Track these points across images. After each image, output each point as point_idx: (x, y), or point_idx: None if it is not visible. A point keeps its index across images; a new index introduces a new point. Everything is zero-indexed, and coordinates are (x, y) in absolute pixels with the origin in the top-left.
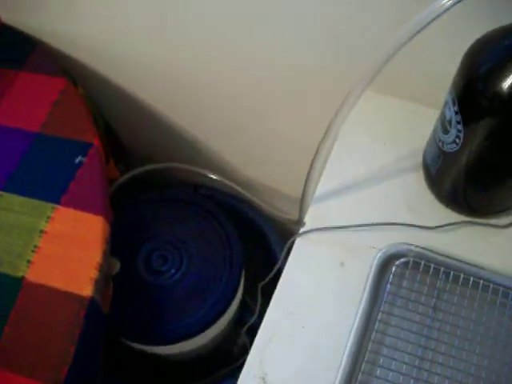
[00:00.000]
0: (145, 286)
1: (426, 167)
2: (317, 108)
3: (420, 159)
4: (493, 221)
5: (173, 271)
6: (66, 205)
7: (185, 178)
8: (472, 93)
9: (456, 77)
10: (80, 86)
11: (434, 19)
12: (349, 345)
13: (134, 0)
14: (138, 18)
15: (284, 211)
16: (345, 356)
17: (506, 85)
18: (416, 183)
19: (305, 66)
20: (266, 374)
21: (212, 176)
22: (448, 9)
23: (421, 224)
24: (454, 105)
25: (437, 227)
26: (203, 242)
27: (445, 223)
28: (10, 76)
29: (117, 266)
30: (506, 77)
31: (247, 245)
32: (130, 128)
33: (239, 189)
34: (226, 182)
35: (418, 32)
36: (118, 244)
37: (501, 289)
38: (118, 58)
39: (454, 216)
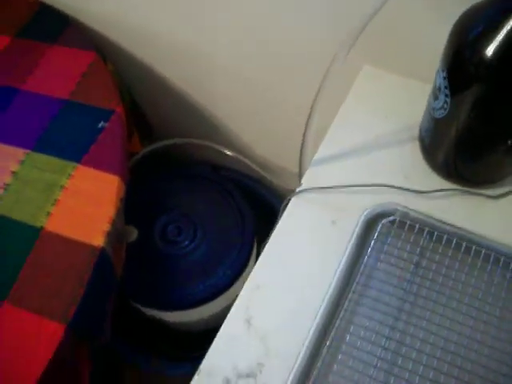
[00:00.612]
0: (159, 254)
1: (421, 137)
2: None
3: (417, 133)
4: (485, 191)
5: (186, 242)
6: (86, 164)
7: (204, 158)
8: (459, 59)
9: (446, 45)
10: (109, 63)
11: None
12: (329, 293)
13: None
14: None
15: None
16: (324, 303)
17: (489, 52)
18: (412, 154)
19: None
20: (251, 317)
21: (227, 152)
22: None
23: (411, 188)
24: (443, 71)
25: (426, 192)
26: (218, 216)
27: (434, 189)
28: (45, 48)
29: (134, 234)
30: (489, 44)
31: (260, 222)
32: (156, 107)
33: (253, 166)
34: (241, 157)
35: None
36: (137, 214)
37: (483, 251)
38: (147, 38)
39: (447, 185)
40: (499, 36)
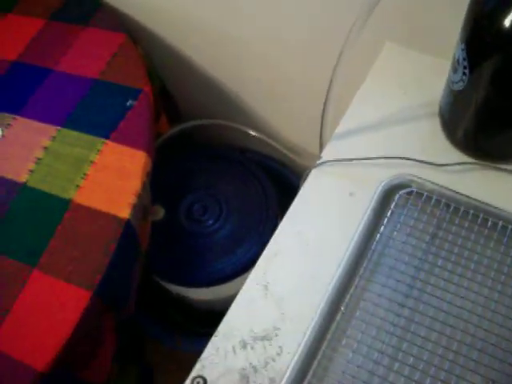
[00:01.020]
0: (185, 233)
1: (441, 112)
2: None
3: (437, 109)
4: (503, 165)
5: (211, 221)
6: (115, 140)
7: (230, 140)
8: (477, 30)
9: (465, 16)
10: (139, 46)
11: None
12: (344, 260)
13: None
14: None
15: None
16: (339, 270)
17: (507, 22)
18: (432, 129)
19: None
20: (268, 283)
21: (253, 133)
22: None
23: (431, 162)
24: (461, 43)
25: (445, 165)
26: (242, 196)
27: (453, 162)
28: (77, 30)
29: (161, 213)
30: (507, 14)
31: (284, 202)
32: (184, 90)
33: (278, 146)
34: (266, 139)
35: None
36: (164, 193)
37: (500, 223)
38: (177, 23)
39: (466, 159)
40: None
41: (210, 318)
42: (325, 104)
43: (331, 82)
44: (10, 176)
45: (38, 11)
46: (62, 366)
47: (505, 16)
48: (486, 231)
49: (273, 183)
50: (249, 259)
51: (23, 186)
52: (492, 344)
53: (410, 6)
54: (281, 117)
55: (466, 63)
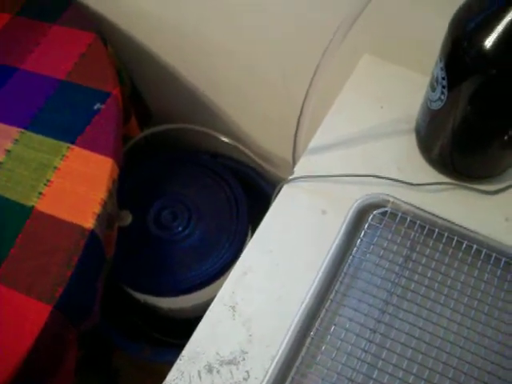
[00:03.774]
0: (153, 239)
1: (418, 129)
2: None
3: (414, 125)
4: (481, 186)
5: (180, 228)
6: (80, 146)
7: (202, 145)
8: (457, 50)
9: (445, 36)
10: (110, 46)
11: None
12: (315, 283)
13: None
14: None
15: None
16: (310, 293)
17: (486, 43)
18: (408, 146)
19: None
20: (236, 304)
21: (225, 139)
22: None
23: (405, 180)
24: (440, 62)
25: (420, 185)
26: (213, 203)
27: (428, 182)
28: (45, 28)
29: (128, 218)
30: (486, 36)
31: (255, 210)
32: (156, 92)
33: (250, 154)
34: (238, 145)
35: None
36: (132, 198)
37: (474, 246)
38: (150, 24)
39: (442, 179)
40: (496, 28)
41: (180, 327)
42: (299, 117)
43: (307, 93)
44: None
45: (4, 5)
46: (22, 381)
47: (485, 38)
48: (461, 254)
49: (244, 189)
50: (218, 268)
51: None
52: (464, 372)
53: (389, 19)
54: (254, 123)
55: (444, 82)
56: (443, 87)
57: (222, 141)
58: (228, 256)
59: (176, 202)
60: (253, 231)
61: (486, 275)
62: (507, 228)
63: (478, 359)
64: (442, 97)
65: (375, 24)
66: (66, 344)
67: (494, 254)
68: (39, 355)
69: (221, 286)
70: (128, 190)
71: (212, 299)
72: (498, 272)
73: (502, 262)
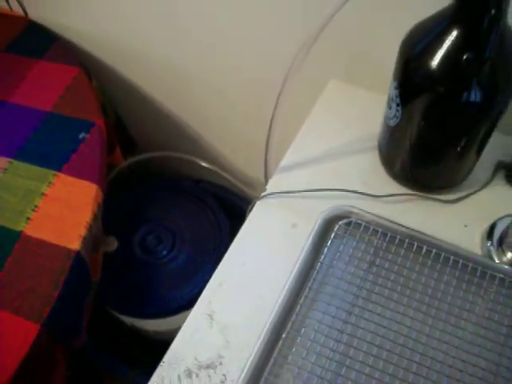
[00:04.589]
0: (139, 264)
1: (379, 146)
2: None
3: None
4: (441, 196)
5: (165, 252)
6: (66, 173)
7: (185, 171)
8: (407, 71)
9: (396, 58)
10: (94, 80)
11: None
12: (285, 290)
13: (143, 3)
14: (148, 19)
15: None
16: (280, 299)
17: (432, 64)
18: (372, 162)
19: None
20: (213, 312)
21: (205, 164)
22: None
23: (370, 193)
24: (394, 81)
25: (382, 196)
26: (196, 227)
27: (391, 193)
28: (31, 63)
29: (114, 244)
30: (432, 57)
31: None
32: (140, 123)
33: (231, 178)
34: (219, 171)
35: None
36: (118, 224)
37: (433, 250)
38: (132, 58)
39: (404, 191)
40: (439, 49)
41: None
42: (267, 138)
43: (273, 116)
44: None
45: None
46: None
47: (431, 59)
48: (421, 258)
49: (226, 214)
50: (202, 289)
51: None
52: (427, 367)
53: (352, 47)
54: (234, 149)
55: (398, 100)
56: (397, 105)
57: (204, 167)
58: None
59: (160, 227)
60: None
61: (446, 277)
62: (466, 233)
63: (439, 354)
64: (397, 114)
65: (338, 51)
66: (54, 362)
67: (451, 257)
68: (28, 373)
69: None
70: (114, 216)
71: None
72: (457, 273)
73: (460, 264)
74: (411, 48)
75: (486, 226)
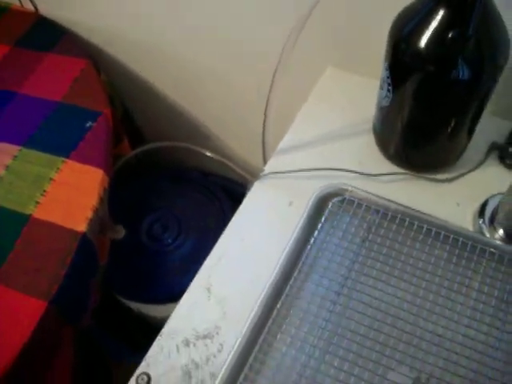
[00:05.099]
0: (145, 251)
1: (374, 128)
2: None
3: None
4: (434, 176)
5: (170, 240)
6: (74, 159)
7: (193, 163)
8: (396, 52)
9: (387, 40)
10: (102, 73)
11: None
12: (279, 263)
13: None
14: (154, 12)
15: None
16: (274, 272)
17: (420, 44)
18: (368, 144)
19: None
20: (211, 285)
21: (211, 155)
22: None
23: (365, 173)
24: (385, 63)
25: (377, 175)
26: (202, 216)
27: (385, 173)
28: (41, 56)
29: (122, 232)
30: (419, 38)
31: None
32: (147, 115)
33: (237, 168)
34: (225, 161)
35: None
36: (125, 213)
37: (424, 226)
38: (139, 50)
39: (396, 170)
40: (427, 29)
41: None
42: (264, 121)
43: (268, 99)
44: None
45: (3, 37)
46: (18, 376)
47: (419, 40)
48: (412, 234)
49: (233, 205)
50: None
51: None
52: (417, 336)
53: (348, 33)
54: (237, 138)
55: (389, 81)
56: (389, 85)
57: (209, 157)
58: None
59: (167, 216)
60: None
61: (436, 251)
62: (458, 211)
63: (429, 324)
64: (389, 94)
65: (335, 39)
66: (62, 339)
67: (442, 232)
68: (36, 348)
69: None
70: (122, 205)
71: None
72: (447, 247)
73: (451, 239)
74: (400, 30)
75: (478, 204)
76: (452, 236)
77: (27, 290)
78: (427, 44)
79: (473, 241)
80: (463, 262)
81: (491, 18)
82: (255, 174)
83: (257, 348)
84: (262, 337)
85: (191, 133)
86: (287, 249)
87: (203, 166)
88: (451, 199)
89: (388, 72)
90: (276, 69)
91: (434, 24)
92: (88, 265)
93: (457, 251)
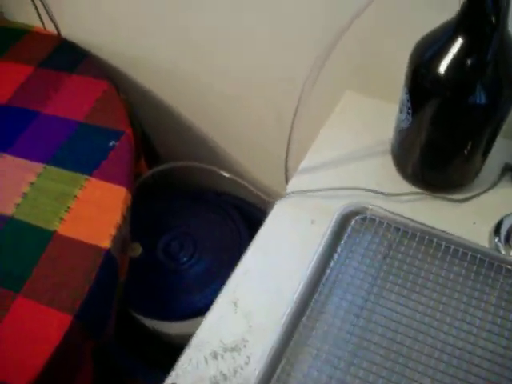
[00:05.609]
0: (161, 269)
1: (392, 149)
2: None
3: (389, 147)
4: (450, 195)
5: (186, 258)
6: (97, 177)
7: (208, 183)
8: (416, 77)
9: (407, 65)
10: (122, 94)
11: None
12: (305, 278)
13: (162, 22)
14: (170, 37)
15: None
16: (300, 287)
17: (440, 70)
18: (385, 164)
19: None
20: (237, 299)
21: (228, 175)
22: None
23: (384, 192)
24: (405, 87)
25: (395, 195)
26: (217, 236)
27: (403, 192)
28: (64, 77)
29: (139, 250)
30: (439, 64)
31: None
32: (163, 136)
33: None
34: (240, 180)
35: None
36: (142, 231)
37: (443, 243)
38: (155, 72)
39: (414, 190)
40: (447, 56)
41: None
42: (287, 146)
43: (292, 125)
44: None
45: (28, 59)
46: None
47: (439, 65)
48: (432, 251)
49: (246, 224)
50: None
51: (9, 219)
52: (438, 349)
53: (364, 59)
54: (256, 161)
55: (409, 104)
56: (408, 109)
57: (225, 177)
58: None
59: (183, 235)
60: None
61: (455, 267)
62: (475, 230)
63: (449, 338)
64: (408, 117)
65: (352, 64)
66: (83, 357)
67: (460, 249)
68: (61, 361)
69: None
70: (139, 224)
71: None
72: (465, 264)
73: (469, 256)
74: (420, 56)
75: (493, 223)
76: (470, 253)
77: (52, 303)
78: (447, 70)
79: (490, 258)
80: (481, 278)
81: (506, 45)
82: (269, 194)
83: (284, 360)
84: (289, 349)
85: (205, 152)
86: (312, 263)
87: (218, 185)
88: (467, 218)
89: (408, 96)
90: (300, 97)
91: (454, 51)
92: (110, 281)
93: (474, 268)
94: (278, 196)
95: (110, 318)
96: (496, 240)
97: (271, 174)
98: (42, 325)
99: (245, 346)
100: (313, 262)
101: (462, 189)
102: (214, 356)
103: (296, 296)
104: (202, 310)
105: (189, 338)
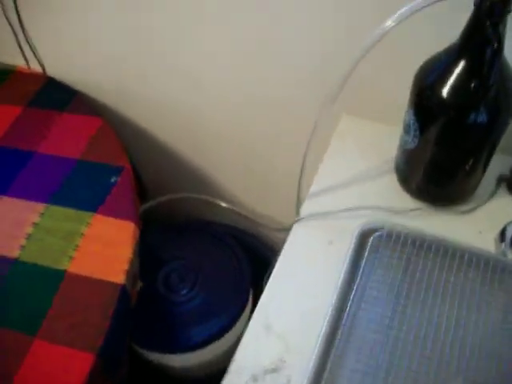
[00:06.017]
0: (161, 302)
1: (397, 167)
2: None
3: (393, 165)
4: (455, 208)
5: (185, 291)
6: (103, 213)
7: (201, 214)
8: (422, 100)
9: (411, 89)
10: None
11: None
12: (334, 297)
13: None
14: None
15: None
16: (331, 306)
17: (445, 92)
18: (389, 182)
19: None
20: (269, 321)
21: (223, 204)
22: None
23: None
24: (411, 109)
25: (403, 210)
26: (217, 267)
27: (412, 208)
28: (55, 116)
29: (139, 284)
30: (443, 87)
31: (255, 273)
32: (151, 169)
33: (248, 215)
34: (236, 209)
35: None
36: (142, 264)
37: (458, 252)
38: (142, 105)
39: (422, 205)
40: (450, 80)
41: None
42: (300, 178)
43: (304, 159)
44: (1, 252)
45: (15, 99)
46: None
47: (444, 88)
48: (448, 260)
49: (244, 252)
50: (222, 326)
51: (16, 261)
52: (466, 356)
53: (362, 85)
54: (252, 191)
55: (416, 126)
56: (415, 130)
57: (221, 207)
58: (231, 316)
59: (183, 267)
60: (254, 294)
61: (471, 274)
62: (481, 239)
63: (476, 340)
64: (415, 138)
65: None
66: None
67: (474, 258)
68: None
69: (225, 345)
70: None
71: (218, 356)
72: (480, 271)
73: (482, 264)
74: (424, 80)
75: (497, 231)
76: (483, 260)
77: (73, 343)
78: (451, 92)
79: (502, 264)
80: (496, 284)
81: (505, 69)
82: (263, 224)
83: (325, 374)
84: (328, 364)
85: (195, 185)
86: (339, 284)
87: (212, 214)
88: (473, 228)
89: (414, 118)
90: (310, 139)
91: (457, 74)
92: (126, 316)
93: (489, 274)
94: (272, 223)
95: (124, 354)
96: (502, 246)
97: (264, 202)
98: (64, 367)
99: (283, 367)
100: (339, 282)
101: (464, 201)
102: (255, 379)
103: (328, 316)
104: (203, 342)
105: (194, 370)
